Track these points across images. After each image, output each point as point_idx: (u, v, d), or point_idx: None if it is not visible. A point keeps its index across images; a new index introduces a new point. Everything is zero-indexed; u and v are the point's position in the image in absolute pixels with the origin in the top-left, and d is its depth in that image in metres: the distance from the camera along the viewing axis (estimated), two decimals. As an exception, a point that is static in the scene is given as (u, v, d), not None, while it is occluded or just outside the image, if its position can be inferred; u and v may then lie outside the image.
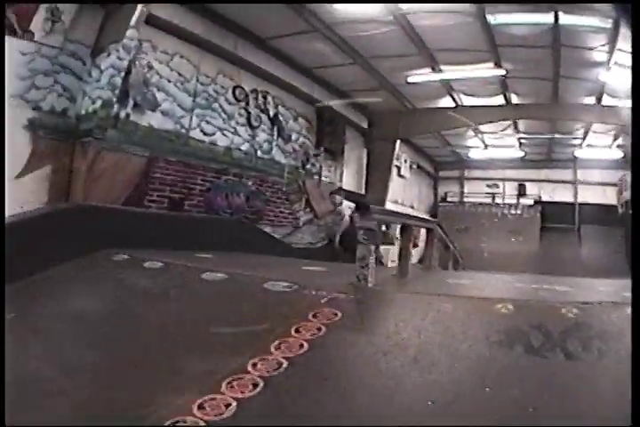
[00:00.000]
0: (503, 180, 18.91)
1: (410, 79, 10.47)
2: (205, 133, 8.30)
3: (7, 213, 5.70)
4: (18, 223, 5.21)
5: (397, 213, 5.38)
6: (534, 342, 2.46)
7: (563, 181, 18.07)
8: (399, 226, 5.23)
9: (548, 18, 7.45)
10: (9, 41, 6.10)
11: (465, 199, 19.44)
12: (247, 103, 9.18)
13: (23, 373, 2.44)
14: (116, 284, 4.12)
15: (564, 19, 7.37)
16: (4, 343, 2.25)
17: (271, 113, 9.79)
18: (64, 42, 6.63)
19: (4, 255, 2.96)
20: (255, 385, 2.14)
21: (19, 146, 6.32)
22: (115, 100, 6.67)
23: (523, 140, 15.43)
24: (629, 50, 4.36)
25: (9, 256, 4.46)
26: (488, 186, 19.00)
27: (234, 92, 8.89)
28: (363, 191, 12.97)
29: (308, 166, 11.05)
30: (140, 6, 6.68)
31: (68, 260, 4.77)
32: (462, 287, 4.64)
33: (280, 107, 10.06)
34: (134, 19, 6.66)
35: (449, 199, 19.74)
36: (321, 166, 11.59)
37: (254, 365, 2.35)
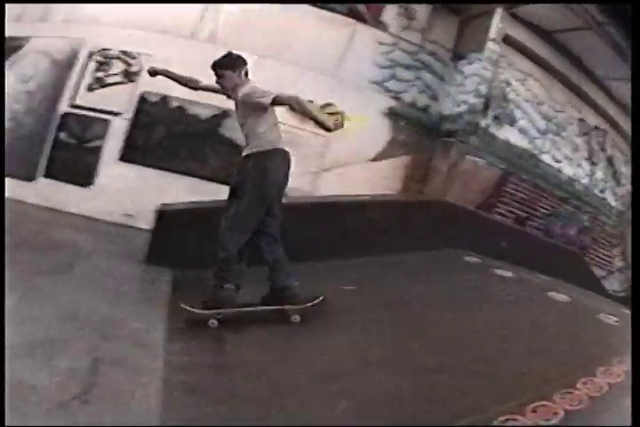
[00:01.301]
0: None
1: None
2: (555, 159, 7.97)
3: (360, 192, 5.85)
4: (377, 203, 5.51)
5: None
6: None
7: None
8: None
9: None
10: (361, 28, 6.30)
11: None
12: (590, 138, 8.77)
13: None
14: (467, 284, 4.30)
15: None
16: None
17: (609, 153, 9.31)
18: (422, 40, 6.69)
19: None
20: (555, 414, 2.18)
21: (376, 131, 6.45)
22: (480, 107, 6.54)
23: None
24: None
25: (362, 232, 5.00)
26: None
27: (579, 125, 8.52)
28: None
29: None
30: (495, 22, 6.57)
31: (415, 250, 4.95)
32: None
33: (616, 149, 9.51)
34: (493, 32, 6.56)
35: None
36: (642, 218, 10.67)
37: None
